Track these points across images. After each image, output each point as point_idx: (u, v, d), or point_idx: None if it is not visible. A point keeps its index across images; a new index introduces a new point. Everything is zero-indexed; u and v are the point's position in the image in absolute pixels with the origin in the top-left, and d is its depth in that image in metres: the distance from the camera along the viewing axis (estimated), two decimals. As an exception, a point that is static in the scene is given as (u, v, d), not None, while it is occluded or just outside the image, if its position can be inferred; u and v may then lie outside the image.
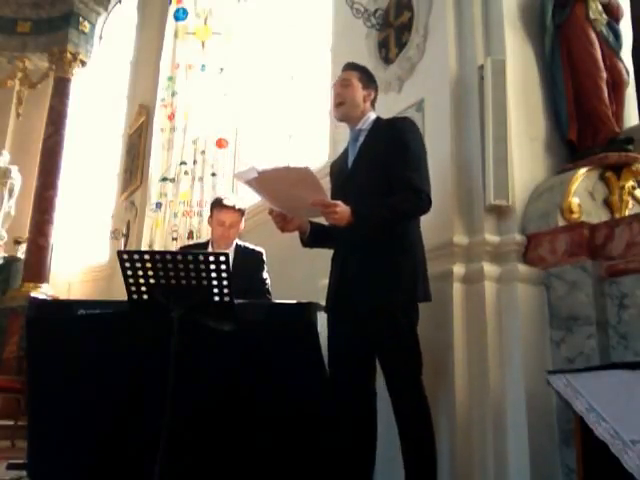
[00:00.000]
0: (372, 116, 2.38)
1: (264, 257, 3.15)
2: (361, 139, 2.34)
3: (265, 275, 3.14)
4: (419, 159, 2.21)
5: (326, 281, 3.24)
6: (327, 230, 2.32)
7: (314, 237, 2.36)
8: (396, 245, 2.16)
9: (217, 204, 3.13)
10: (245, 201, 5.64)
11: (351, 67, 2.44)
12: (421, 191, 2.13)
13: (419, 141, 2.27)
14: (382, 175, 2.18)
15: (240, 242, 3.19)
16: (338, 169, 2.44)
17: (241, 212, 3.14)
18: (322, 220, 2.24)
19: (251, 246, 3.20)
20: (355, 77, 2.37)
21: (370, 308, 2.14)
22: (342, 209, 2.04)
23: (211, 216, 3.17)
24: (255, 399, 2.31)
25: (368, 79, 2.41)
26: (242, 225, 3.19)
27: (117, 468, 2.31)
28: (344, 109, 2.35)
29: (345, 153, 2.43)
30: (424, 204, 2.16)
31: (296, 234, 2.40)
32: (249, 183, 2.10)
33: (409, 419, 2.10)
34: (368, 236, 2.16)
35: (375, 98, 2.43)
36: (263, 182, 2.08)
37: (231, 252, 3.00)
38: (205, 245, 3.22)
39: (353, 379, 2.22)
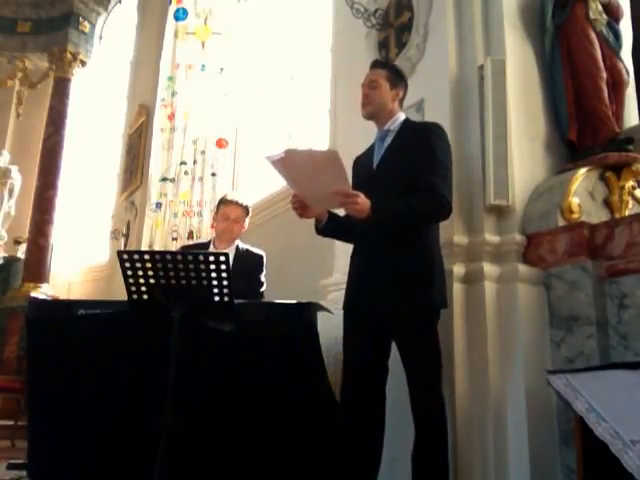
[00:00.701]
0: (401, 117, 2.35)
1: (264, 260, 3.16)
2: (388, 140, 2.32)
3: (262, 278, 3.14)
4: (445, 167, 2.21)
5: (326, 281, 3.26)
6: (343, 222, 2.32)
7: (330, 226, 2.34)
8: (416, 248, 2.17)
9: (223, 200, 3.22)
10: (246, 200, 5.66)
11: (379, 65, 2.41)
12: (443, 196, 2.13)
13: (447, 149, 2.26)
14: (407, 178, 2.17)
15: (241, 244, 3.20)
16: (361, 167, 2.42)
17: (245, 209, 3.19)
18: (340, 211, 2.24)
19: (252, 249, 3.21)
20: (383, 77, 2.34)
21: (388, 310, 2.14)
22: (363, 201, 2.03)
23: (217, 213, 3.23)
24: (255, 399, 2.31)
25: (396, 77, 2.37)
26: (246, 224, 3.21)
27: (117, 468, 2.31)
28: (370, 108, 2.34)
29: (370, 151, 2.40)
30: (444, 210, 2.16)
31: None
32: (275, 164, 2.07)
33: (425, 422, 2.10)
34: (385, 233, 2.15)
35: (404, 96, 2.40)
36: (289, 163, 2.06)
37: (231, 253, 3.00)
38: (206, 245, 3.23)
39: (365, 380, 2.21)
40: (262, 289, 3.13)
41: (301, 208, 2.21)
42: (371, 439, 2.18)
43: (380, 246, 2.18)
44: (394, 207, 2.12)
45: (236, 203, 3.16)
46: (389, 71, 2.38)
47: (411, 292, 2.11)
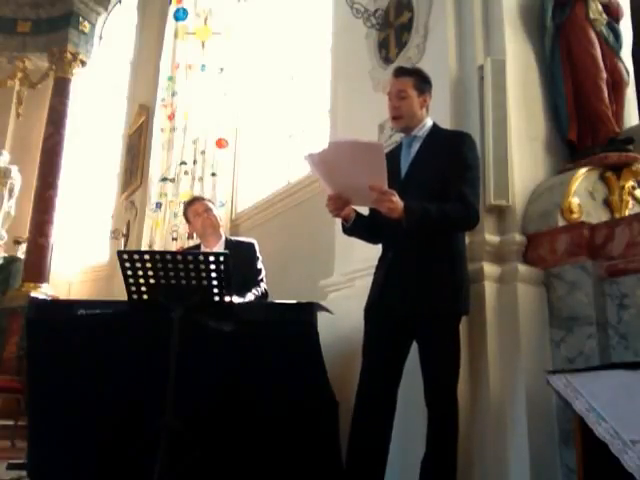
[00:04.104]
0: (428, 123, 2.32)
1: (256, 247, 3.17)
2: (416, 146, 2.29)
3: (260, 265, 3.15)
4: (475, 179, 2.22)
5: (326, 281, 3.26)
6: (368, 222, 2.30)
7: (357, 226, 2.29)
8: (445, 255, 2.17)
9: (186, 206, 3.34)
10: (244, 203, 5.68)
11: (405, 73, 2.33)
12: (472, 206, 2.14)
13: (478, 160, 2.27)
14: (436, 185, 2.16)
15: (230, 237, 3.23)
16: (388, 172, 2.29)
17: (207, 200, 3.34)
18: (364, 210, 2.24)
19: (242, 239, 3.23)
20: (410, 85, 2.28)
21: (413, 316, 2.14)
22: (397, 200, 2.02)
23: (189, 222, 3.31)
24: (255, 399, 2.32)
25: (422, 83, 2.32)
26: (219, 213, 3.33)
27: (117, 468, 2.31)
28: (403, 122, 2.29)
29: (394, 156, 2.35)
30: (473, 220, 2.17)
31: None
32: (313, 157, 2.02)
33: (439, 427, 2.11)
34: (415, 238, 2.14)
35: (429, 100, 2.35)
36: (329, 155, 2.01)
37: (222, 247, 3.04)
38: (197, 247, 3.25)
39: (381, 381, 2.20)
40: (261, 276, 3.13)
41: (337, 209, 2.16)
42: (380, 440, 2.18)
43: (409, 251, 2.17)
44: (426, 210, 2.08)
45: (200, 199, 3.31)
46: (415, 78, 2.31)
47: (438, 300, 2.12)
